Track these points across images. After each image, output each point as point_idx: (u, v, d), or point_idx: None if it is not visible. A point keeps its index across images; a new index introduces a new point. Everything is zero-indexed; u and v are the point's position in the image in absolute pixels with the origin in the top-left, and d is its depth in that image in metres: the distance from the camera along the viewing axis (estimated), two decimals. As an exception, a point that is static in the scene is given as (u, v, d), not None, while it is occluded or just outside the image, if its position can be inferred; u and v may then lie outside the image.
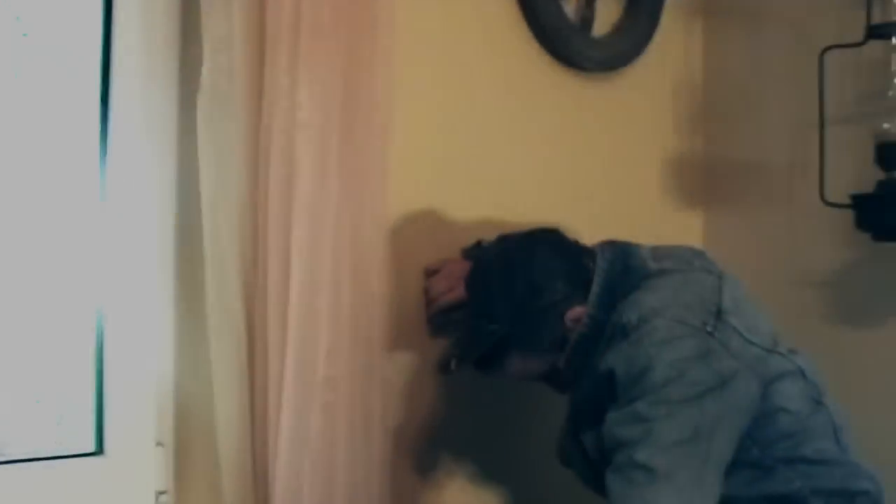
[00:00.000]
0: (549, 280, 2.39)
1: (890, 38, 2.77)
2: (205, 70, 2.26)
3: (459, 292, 2.53)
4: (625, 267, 2.38)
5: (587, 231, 2.74)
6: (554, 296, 2.38)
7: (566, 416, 2.46)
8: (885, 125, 2.76)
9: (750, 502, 2.26)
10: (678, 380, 2.17)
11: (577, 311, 2.36)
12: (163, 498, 2.42)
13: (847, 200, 2.83)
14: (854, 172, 2.87)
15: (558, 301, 2.37)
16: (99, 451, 2.38)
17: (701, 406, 2.16)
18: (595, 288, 2.36)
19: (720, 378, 2.18)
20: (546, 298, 2.38)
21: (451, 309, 2.57)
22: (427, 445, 2.71)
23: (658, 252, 2.44)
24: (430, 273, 2.64)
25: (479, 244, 2.63)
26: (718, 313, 2.25)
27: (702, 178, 3.34)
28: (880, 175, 2.79)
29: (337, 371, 2.30)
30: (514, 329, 2.39)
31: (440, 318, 2.63)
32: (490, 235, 2.63)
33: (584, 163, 3.06)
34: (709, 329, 2.23)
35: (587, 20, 3.03)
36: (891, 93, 2.78)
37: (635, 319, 2.26)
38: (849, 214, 2.82)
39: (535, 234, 2.49)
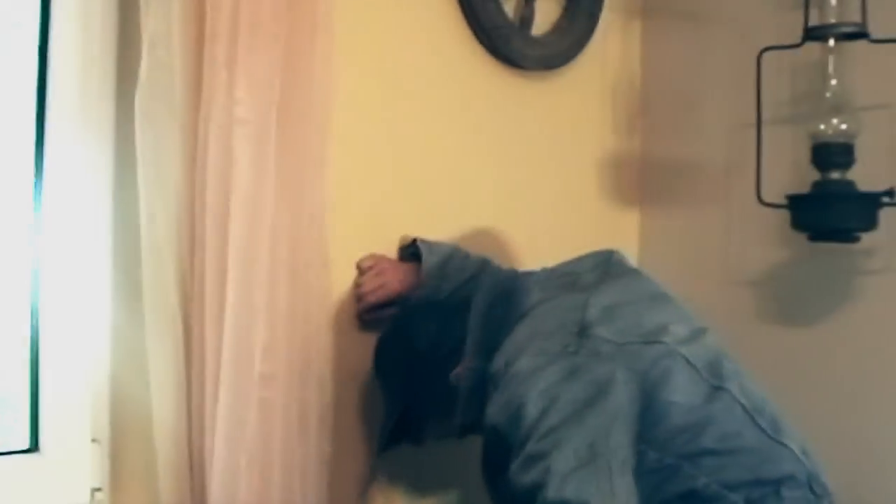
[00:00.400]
0: (429, 347, 2.42)
1: (827, 39, 2.78)
2: (143, 65, 2.24)
3: (389, 289, 2.60)
4: (506, 308, 2.37)
5: (524, 229, 2.76)
6: (436, 360, 2.40)
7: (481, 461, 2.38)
8: (822, 126, 2.76)
9: None
10: (553, 406, 2.10)
11: (457, 369, 2.36)
12: (98, 495, 2.40)
13: (783, 201, 2.85)
14: (790, 173, 2.89)
15: (441, 363, 2.39)
16: (34, 447, 2.36)
17: (584, 422, 2.09)
18: (469, 341, 2.36)
19: (596, 387, 2.12)
20: (429, 365, 2.40)
21: (380, 306, 2.63)
22: (366, 444, 2.71)
23: (555, 273, 2.44)
24: (363, 270, 2.66)
25: (414, 242, 2.65)
26: (581, 331, 2.21)
27: (639, 178, 3.36)
28: (816, 176, 2.80)
29: (274, 368, 2.30)
30: (412, 402, 2.44)
31: (369, 315, 2.66)
32: (427, 234, 2.64)
33: (521, 161, 3.06)
34: (570, 350, 2.18)
35: (526, 19, 3.04)
36: (827, 94, 2.79)
37: (502, 365, 2.23)
38: (785, 215, 2.84)
39: (413, 307, 2.56)
